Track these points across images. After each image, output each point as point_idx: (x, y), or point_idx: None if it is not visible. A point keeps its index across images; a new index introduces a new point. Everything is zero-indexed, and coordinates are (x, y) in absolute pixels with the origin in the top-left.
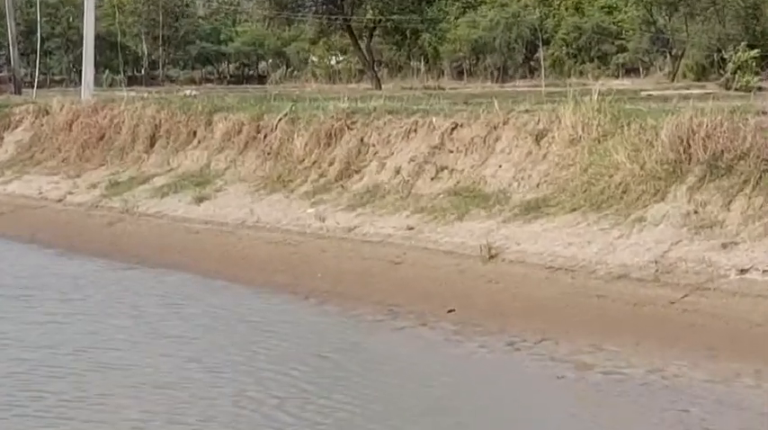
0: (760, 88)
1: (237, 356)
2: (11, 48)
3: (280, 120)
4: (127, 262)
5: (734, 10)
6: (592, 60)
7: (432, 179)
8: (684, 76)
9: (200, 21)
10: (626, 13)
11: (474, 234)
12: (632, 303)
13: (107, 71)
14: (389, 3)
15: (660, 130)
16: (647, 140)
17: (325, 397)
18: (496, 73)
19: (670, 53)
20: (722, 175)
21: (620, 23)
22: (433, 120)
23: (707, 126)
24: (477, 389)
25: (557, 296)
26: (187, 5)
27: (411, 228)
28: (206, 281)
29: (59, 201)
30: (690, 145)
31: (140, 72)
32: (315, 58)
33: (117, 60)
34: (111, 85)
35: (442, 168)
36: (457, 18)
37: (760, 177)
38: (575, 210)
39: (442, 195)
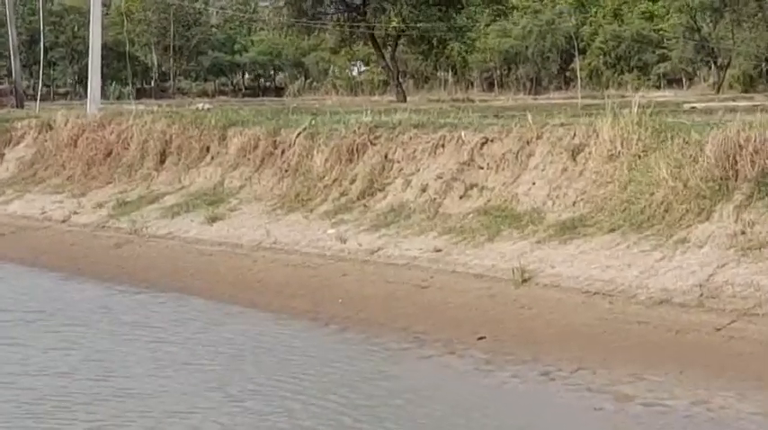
0: None
1: (255, 386)
2: (12, 58)
3: (298, 134)
4: (136, 286)
5: None
6: (631, 70)
7: (460, 197)
8: (731, 87)
9: (214, 29)
10: (668, 20)
11: (505, 256)
12: (675, 330)
13: (114, 83)
14: (415, 10)
15: (705, 145)
16: (691, 156)
17: None
18: (529, 84)
19: (715, 62)
20: None
21: (661, 31)
22: (462, 134)
23: (755, 140)
24: (508, 422)
25: (594, 322)
26: (200, 13)
27: (438, 250)
28: (220, 306)
29: (64, 221)
30: (737, 161)
31: (150, 84)
32: (336, 69)
33: (125, 72)
34: (118, 98)
35: (472, 186)
36: (487, 26)
37: None
38: (613, 230)
39: (471, 215)
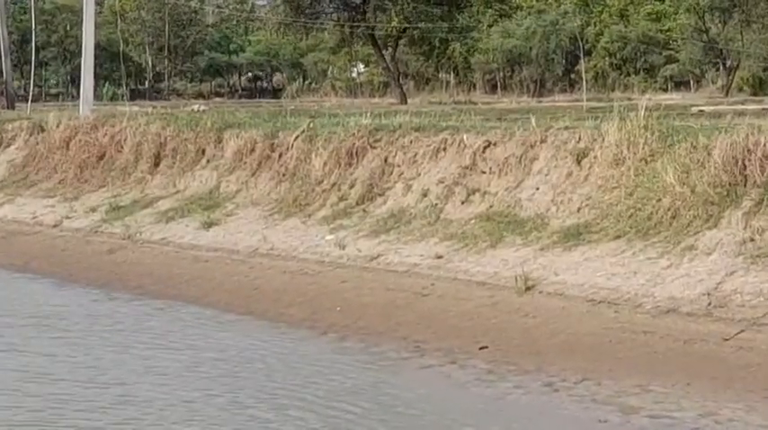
0: None
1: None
2: (3, 58)
3: (296, 137)
4: (129, 292)
5: None
6: (638, 72)
7: (462, 203)
8: (740, 90)
9: (209, 29)
10: (675, 20)
11: (508, 263)
12: (682, 340)
13: (108, 84)
14: (416, 10)
15: (713, 150)
16: (699, 161)
17: None
18: (533, 86)
19: (724, 65)
20: None
21: (668, 32)
22: (464, 137)
23: (764, 145)
24: None
25: (599, 332)
26: (195, 12)
27: (439, 257)
28: (215, 313)
29: (55, 226)
30: (746, 166)
31: (144, 85)
32: (335, 70)
33: (118, 72)
34: (112, 100)
35: (474, 191)
36: (490, 26)
37: None
38: (619, 237)
39: (473, 221)
